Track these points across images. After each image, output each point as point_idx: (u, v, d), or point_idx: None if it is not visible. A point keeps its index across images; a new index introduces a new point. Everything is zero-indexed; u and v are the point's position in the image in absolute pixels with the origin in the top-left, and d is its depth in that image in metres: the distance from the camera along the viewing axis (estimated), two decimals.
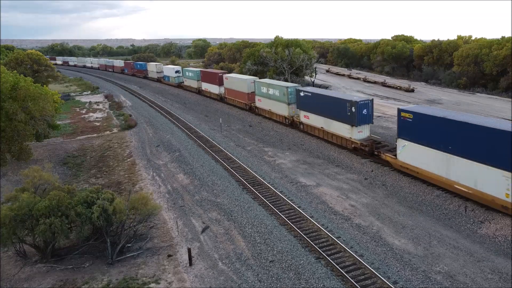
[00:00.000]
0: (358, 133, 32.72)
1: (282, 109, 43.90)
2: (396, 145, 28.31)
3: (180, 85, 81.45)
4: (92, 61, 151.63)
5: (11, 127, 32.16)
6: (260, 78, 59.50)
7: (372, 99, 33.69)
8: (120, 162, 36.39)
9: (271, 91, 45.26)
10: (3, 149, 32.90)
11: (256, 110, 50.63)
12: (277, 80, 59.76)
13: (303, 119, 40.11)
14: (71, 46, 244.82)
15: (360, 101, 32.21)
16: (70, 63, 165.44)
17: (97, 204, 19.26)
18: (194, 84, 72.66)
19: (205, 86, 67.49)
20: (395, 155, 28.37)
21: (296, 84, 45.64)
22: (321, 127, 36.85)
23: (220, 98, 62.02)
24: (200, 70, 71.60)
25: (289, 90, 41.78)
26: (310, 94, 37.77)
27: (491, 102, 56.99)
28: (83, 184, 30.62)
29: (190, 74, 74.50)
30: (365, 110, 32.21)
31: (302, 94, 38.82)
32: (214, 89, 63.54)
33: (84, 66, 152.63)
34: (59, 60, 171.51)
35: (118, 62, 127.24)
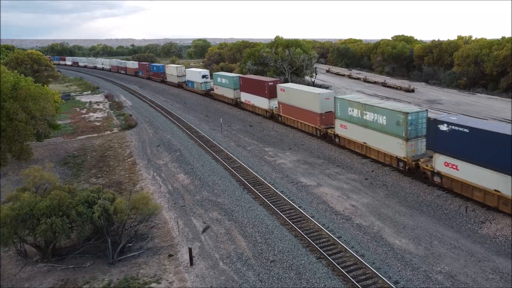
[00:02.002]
0: None
1: (392, 146, 28.63)
2: None
3: (208, 93, 67.81)
4: (103, 62, 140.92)
5: (12, 126, 32.18)
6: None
7: None
8: (121, 162, 36.39)
9: (369, 116, 30.46)
10: (4, 148, 32.91)
11: (337, 141, 35.39)
12: (276, 78, 59.04)
13: (445, 169, 24.49)
14: (71, 46, 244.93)
15: None
16: (80, 64, 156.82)
17: (98, 204, 19.27)
18: (229, 93, 58.29)
19: (247, 97, 52.99)
20: None
21: (421, 108, 29.59)
22: (495, 190, 21.51)
23: (271, 116, 47.72)
24: (239, 77, 56.32)
25: (409, 117, 26.84)
26: (466, 130, 22.46)
27: (491, 102, 57.01)
28: (83, 184, 30.63)
29: (224, 80, 59.74)
30: None
31: (444, 128, 23.65)
32: (261, 102, 49.28)
33: (95, 68, 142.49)
34: (68, 61, 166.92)
35: (132, 64, 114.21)
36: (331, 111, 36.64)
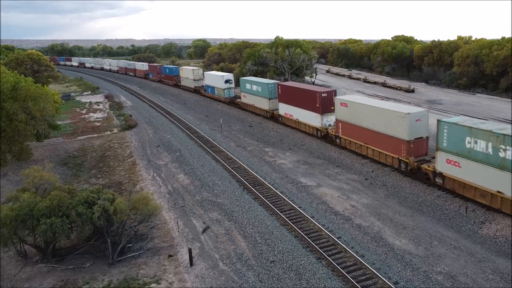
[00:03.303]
0: None
1: None
2: None
3: (233, 102, 57.62)
4: (110, 63, 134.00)
5: (12, 127, 32.19)
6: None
7: None
8: (121, 162, 36.40)
9: None
10: (4, 149, 32.90)
11: (440, 181, 25.02)
12: (277, 80, 58.44)
13: None
14: (71, 46, 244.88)
15: None
16: (87, 65, 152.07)
17: (98, 204, 19.27)
18: (262, 103, 48.66)
19: (288, 110, 43.07)
20: None
21: None
22: None
23: (324, 136, 37.53)
24: (277, 84, 46.30)
25: None
26: None
27: (491, 102, 56.98)
28: (83, 184, 30.63)
29: (255, 87, 49.76)
30: None
31: None
32: (309, 118, 39.11)
33: (102, 69, 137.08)
34: (75, 62, 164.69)
35: (141, 65, 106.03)
36: (422, 137, 27.51)
